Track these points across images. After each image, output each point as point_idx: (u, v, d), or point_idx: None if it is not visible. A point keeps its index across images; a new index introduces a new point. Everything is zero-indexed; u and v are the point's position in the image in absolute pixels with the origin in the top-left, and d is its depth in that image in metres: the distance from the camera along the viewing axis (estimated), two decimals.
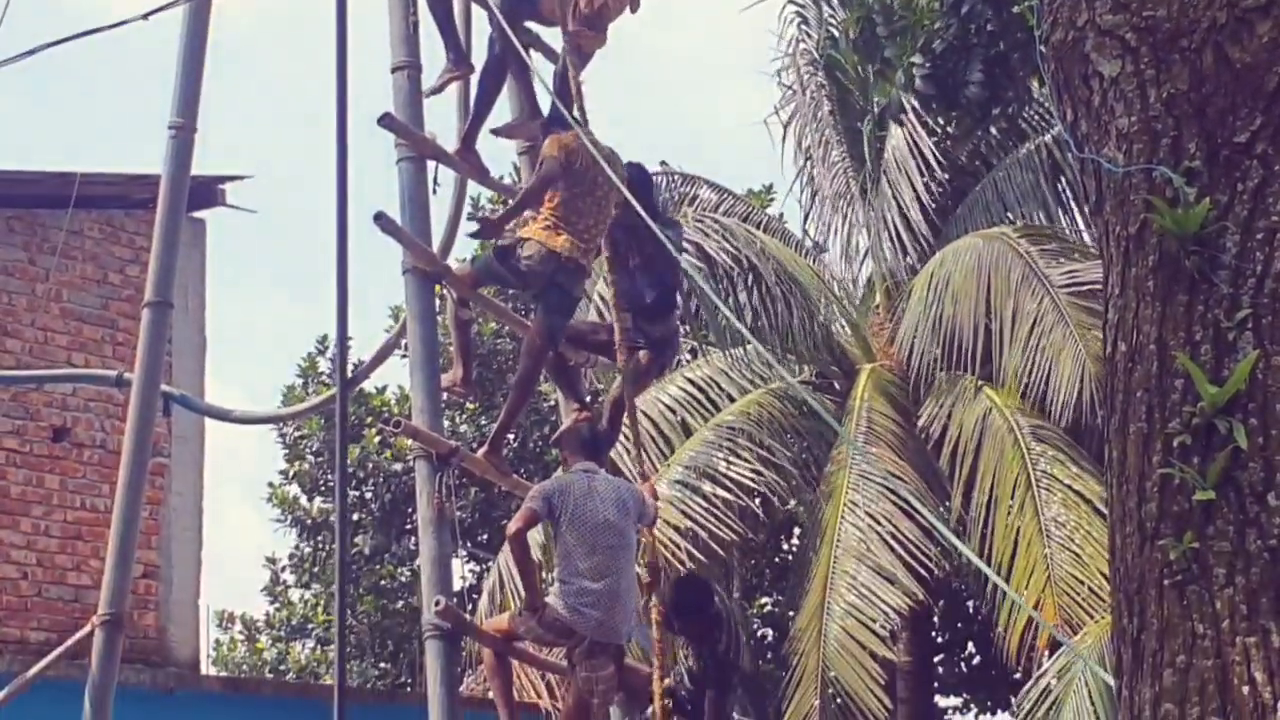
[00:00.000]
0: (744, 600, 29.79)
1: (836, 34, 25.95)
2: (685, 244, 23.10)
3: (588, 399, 13.47)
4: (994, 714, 32.82)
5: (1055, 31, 5.90)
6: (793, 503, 26.33)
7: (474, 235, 12.80)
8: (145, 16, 12.32)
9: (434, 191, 12.35)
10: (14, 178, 21.61)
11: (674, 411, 25.60)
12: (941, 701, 31.76)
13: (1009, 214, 25.30)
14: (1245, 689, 5.24)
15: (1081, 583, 21.44)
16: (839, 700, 23.13)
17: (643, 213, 12.36)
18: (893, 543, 23.38)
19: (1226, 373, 5.40)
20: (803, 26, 27.60)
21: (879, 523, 23.51)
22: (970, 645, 32.58)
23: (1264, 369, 5.38)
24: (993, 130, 24.77)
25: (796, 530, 26.91)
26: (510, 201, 13.03)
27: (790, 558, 25.92)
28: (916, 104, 23.23)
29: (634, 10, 13.53)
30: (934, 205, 26.11)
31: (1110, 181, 5.74)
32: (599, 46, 13.23)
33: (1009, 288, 23.98)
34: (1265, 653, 5.24)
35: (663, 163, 29.42)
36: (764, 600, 34.00)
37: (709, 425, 25.76)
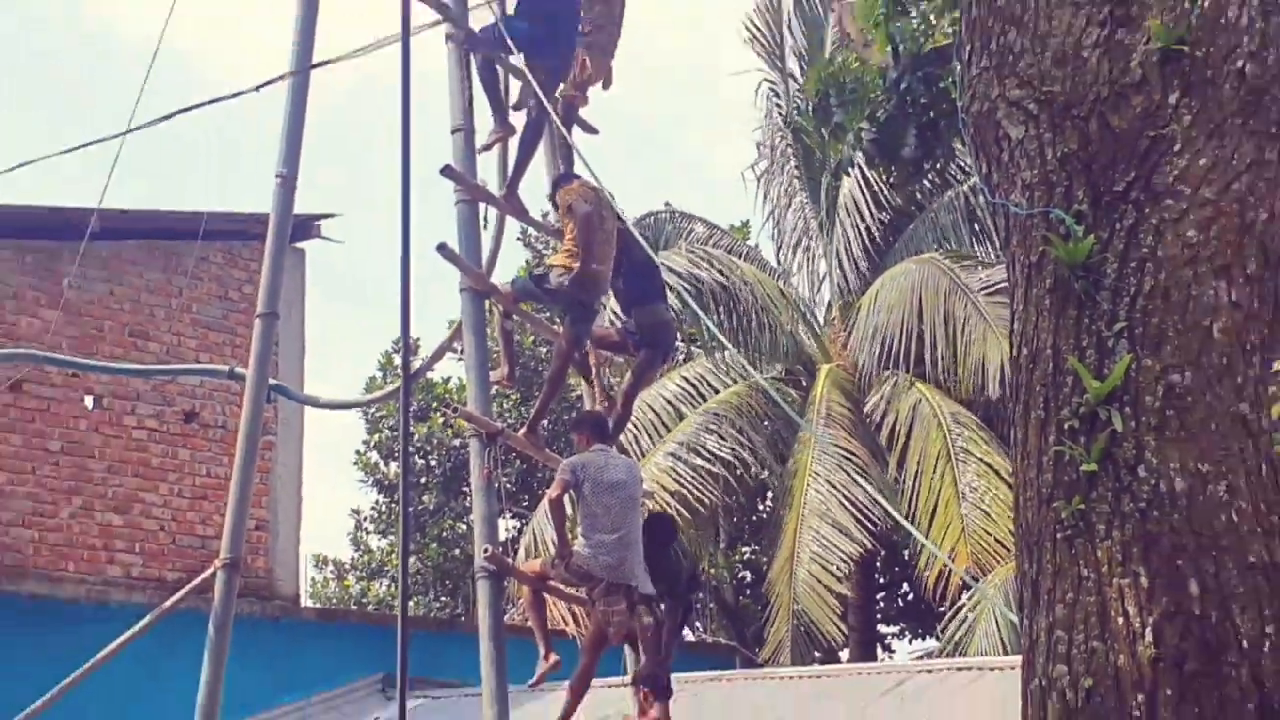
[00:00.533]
0: (728, 549, 29.94)
1: (800, 103, 26.17)
2: (680, 271, 23.53)
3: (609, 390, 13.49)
4: (924, 640, 32.97)
5: (974, 103, 5.92)
6: (766, 473, 26.51)
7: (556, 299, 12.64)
8: (258, 88, 12.41)
9: (484, 227, 12.44)
10: (155, 216, 21.78)
11: (671, 405, 25.99)
12: (882, 629, 31.87)
13: (936, 247, 25.59)
14: (1120, 619, 5.27)
15: (989, 534, 21.77)
16: (804, 629, 23.46)
17: (635, 234, 12.55)
18: (846, 504, 23.78)
19: (1106, 372, 5.44)
20: (773, 98, 27.86)
21: (836, 488, 23.97)
22: (905, 585, 32.78)
23: (1136, 369, 5.43)
24: (924, 181, 25.03)
25: (769, 494, 26.93)
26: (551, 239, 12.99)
27: (765, 516, 26.19)
28: (863, 161, 23.40)
29: (606, 87, 13.73)
30: (878, 240, 26.44)
31: (1016, 222, 5.78)
32: (584, 105, 13.45)
33: (939, 298, 24.33)
34: (1136, 592, 5.28)
35: (666, 203, 29.68)
36: (744, 549, 34.22)
37: (698, 412, 26.19)
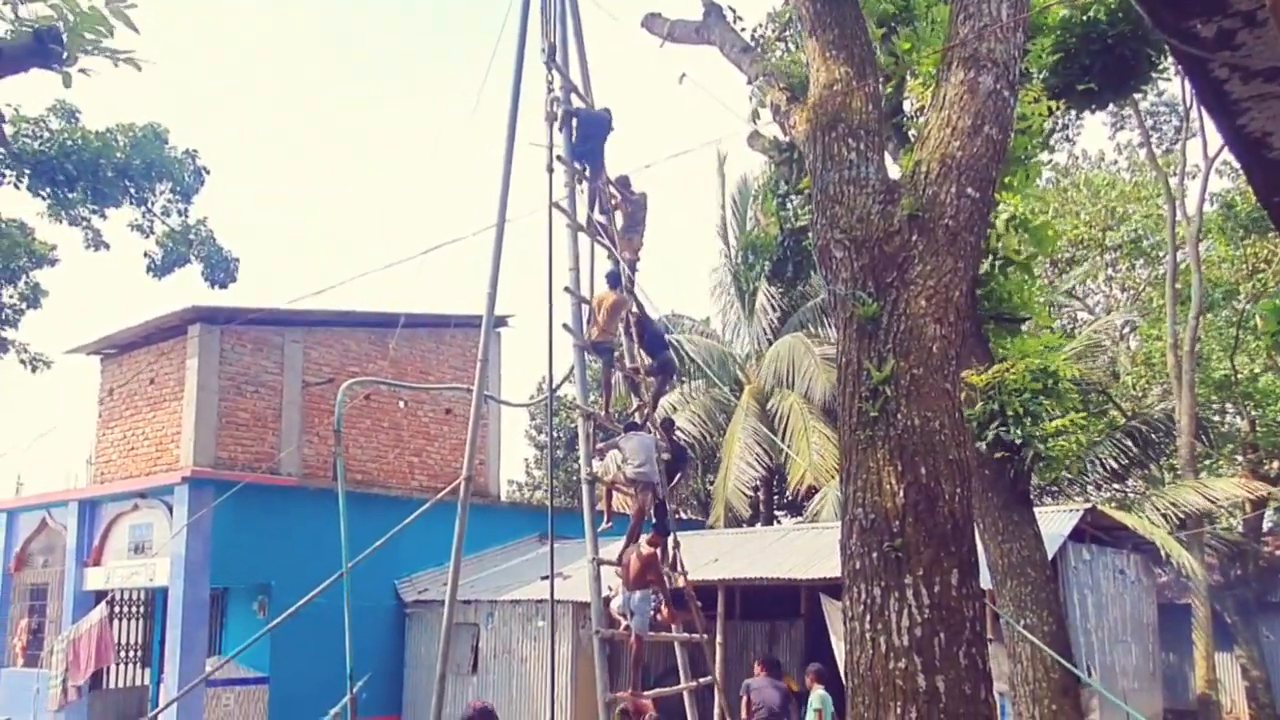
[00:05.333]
0: (701, 474, 29.52)
1: (734, 254, 26.14)
2: (676, 345, 23.35)
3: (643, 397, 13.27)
4: (796, 516, 32.32)
5: (819, 241, 5.85)
6: (716, 439, 26.20)
7: (594, 349, 12.26)
8: (474, 235, 12.23)
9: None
10: (431, 316, 21.84)
11: (673, 405, 25.78)
12: (777, 512, 31.31)
13: (801, 330, 25.33)
14: (887, 487, 5.23)
15: (825, 466, 21.39)
16: (731, 512, 23.31)
17: (653, 317, 12.41)
18: (754, 455, 23.60)
19: (884, 369, 5.34)
20: (724, 254, 27.66)
21: (749, 447, 23.68)
22: (787, 492, 32.24)
23: (895, 368, 5.36)
24: (795, 293, 24.89)
25: (717, 449, 26.62)
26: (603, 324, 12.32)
27: (717, 455, 25.90)
28: (765, 283, 23.31)
29: (637, 257, 12.69)
30: (775, 325, 26.23)
31: (839, 298, 5.71)
32: (637, 263, 12.88)
33: (801, 355, 24.15)
34: (894, 473, 5.22)
35: (672, 310, 29.48)
36: (709, 476, 33.86)
37: (685, 409, 26.02)
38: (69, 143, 10.70)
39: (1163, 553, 17.14)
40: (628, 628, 10.90)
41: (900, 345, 5.35)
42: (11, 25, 3.61)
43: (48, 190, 10.97)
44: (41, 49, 3.58)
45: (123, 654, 20.51)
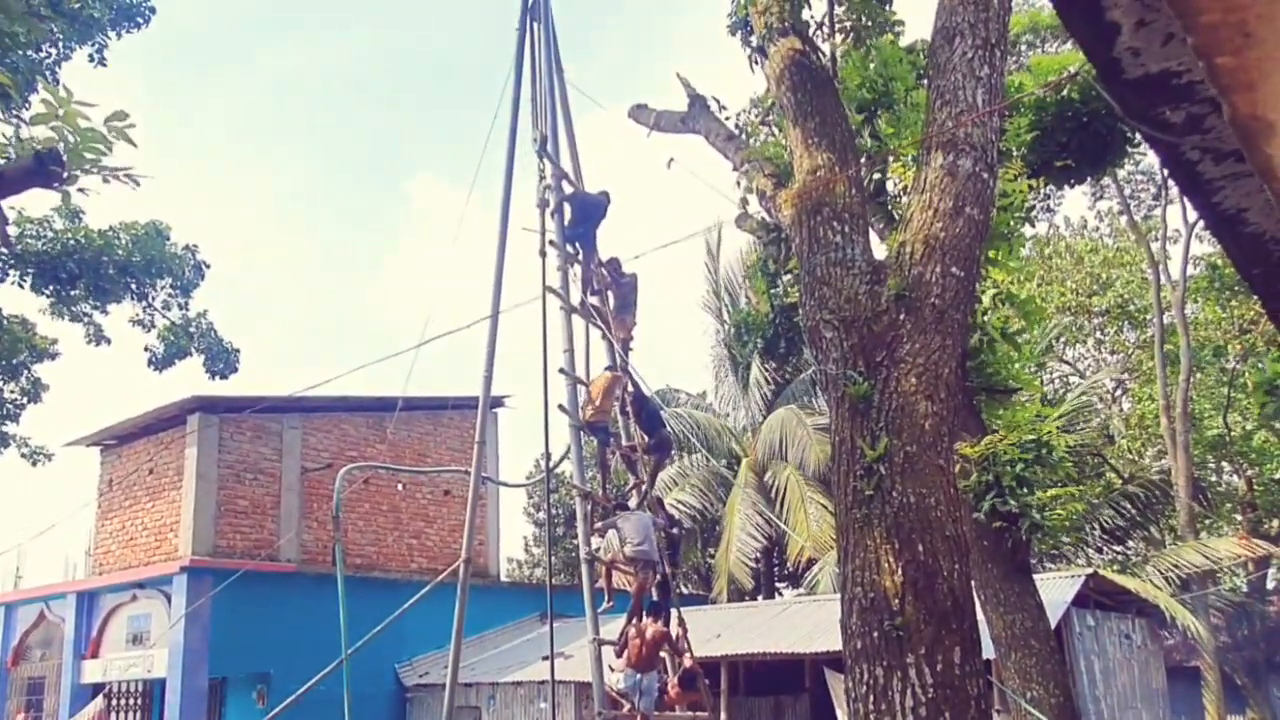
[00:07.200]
0: (700, 548, 29.20)
1: (727, 330, 26.23)
2: (671, 420, 23.30)
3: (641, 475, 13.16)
4: (796, 587, 31.84)
5: (808, 321, 5.89)
6: (716, 511, 25.96)
7: (590, 429, 12.19)
8: (469, 326, 12.24)
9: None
10: (427, 398, 21.81)
11: (673, 480, 25.67)
12: (778, 584, 30.90)
13: (794, 403, 25.28)
14: (885, 564, 5.18)
15: (824, 536, 21.15)
16: (734, 586, 23.03)
17: (655, 397, 12.33)
18: (754, 526, 23.41)
19: (875, 447, 5.35)
20: (718, 330, 27.73)
21: (749, 518, 23.50)
22: (787, 563, 31.89)
23: (889, 446, 5.35)
24: (788, 367, 24.88)
25: (717, 522, 26.36)
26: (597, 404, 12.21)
27: (717, 528, 25.64)
28: (758, 359, 23.34)
29: (631, 334, 12.64)
30: (767, 398, 26.17)
31: (831, 377, 5.72)
32: (631, 341, 12.86)
33: (794, 428, 24.03)
34: (891, 552, 5.18)
35: (668, 384, 29.51)
36: (710, 549, 33.47)
37: (684, 484, 25.84)
38: (72, 242, 10.82)
39: (1168, 615, 16.96)
40: (632, 708, 10.71)
41: (892, 423, 5.36)
42: (13, 147, 3.71)
43: (51, 288, 11.06)
44: (42, 170, 3.68)
45: None
